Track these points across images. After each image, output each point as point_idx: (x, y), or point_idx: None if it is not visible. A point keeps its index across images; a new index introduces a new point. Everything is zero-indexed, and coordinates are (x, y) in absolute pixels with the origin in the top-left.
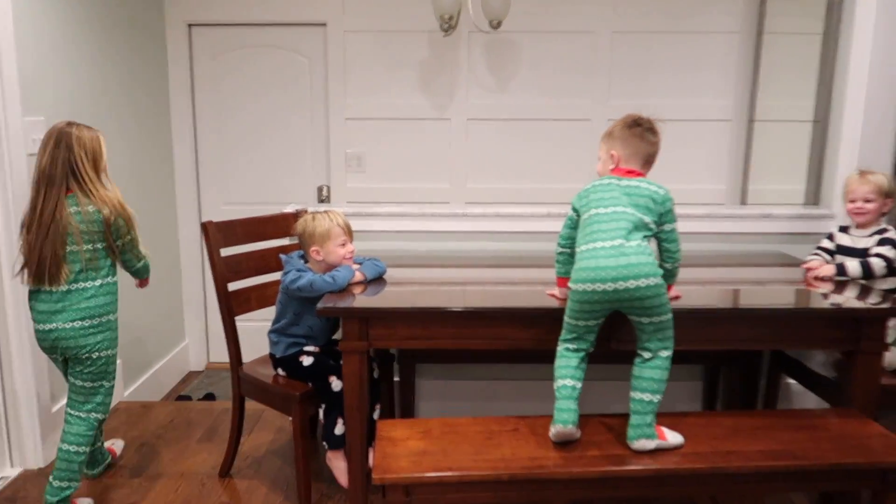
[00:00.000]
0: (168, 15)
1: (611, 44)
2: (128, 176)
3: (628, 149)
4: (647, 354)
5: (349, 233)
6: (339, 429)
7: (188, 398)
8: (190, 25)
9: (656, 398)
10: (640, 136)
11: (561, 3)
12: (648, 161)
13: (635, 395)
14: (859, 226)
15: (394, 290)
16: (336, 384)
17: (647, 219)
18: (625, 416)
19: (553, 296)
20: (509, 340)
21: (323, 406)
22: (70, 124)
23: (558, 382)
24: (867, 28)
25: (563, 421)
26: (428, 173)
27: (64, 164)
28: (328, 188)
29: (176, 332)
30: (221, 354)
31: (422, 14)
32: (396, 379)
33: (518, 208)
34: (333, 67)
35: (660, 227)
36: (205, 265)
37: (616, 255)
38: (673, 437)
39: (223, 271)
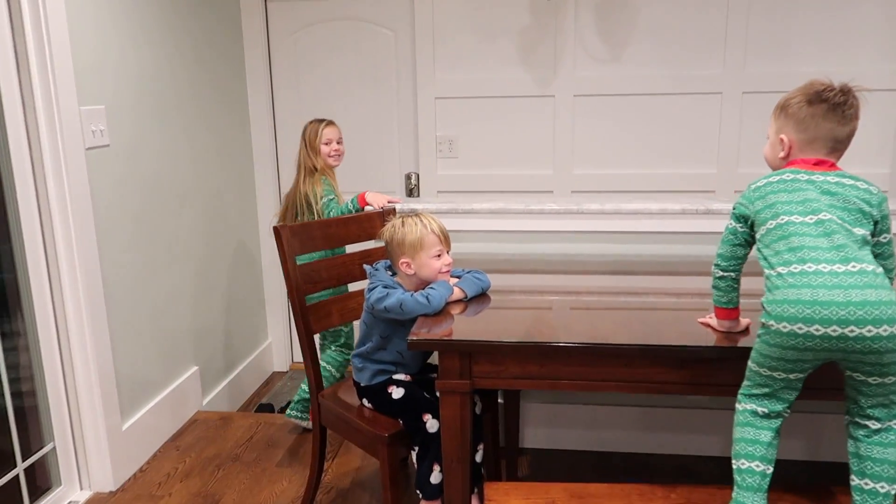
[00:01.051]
0: None
1: (747, 0)
2: (202, 165)
3: (805, 133)
4: (874, 425)
5: (446, 241)
6: (435, 476)
7: (270, 408)
8: (266, 0)
9: (894, 489)
10: (823, 115)
11: None
12: (837, 149)
13: (864, 483)
14: None
15: (499, 309)
16: (431, 424)
17: (862, 231)
18: (820, 488)
19: (707, 325)
20: (651, 384)
21: (416, 448)
22: (310, 120)
23: (742, 463)
24: None
25: None
26: (529, 158)
27: (298, 152)
28: (417, 176)
29: (258, 331)
30: None
31: None
32: (500, 401)
33: (643, 203)
34: (421, 40)
35: (874, 238)
36: None
37: (845, 287)
38: None
39: (299, 282)
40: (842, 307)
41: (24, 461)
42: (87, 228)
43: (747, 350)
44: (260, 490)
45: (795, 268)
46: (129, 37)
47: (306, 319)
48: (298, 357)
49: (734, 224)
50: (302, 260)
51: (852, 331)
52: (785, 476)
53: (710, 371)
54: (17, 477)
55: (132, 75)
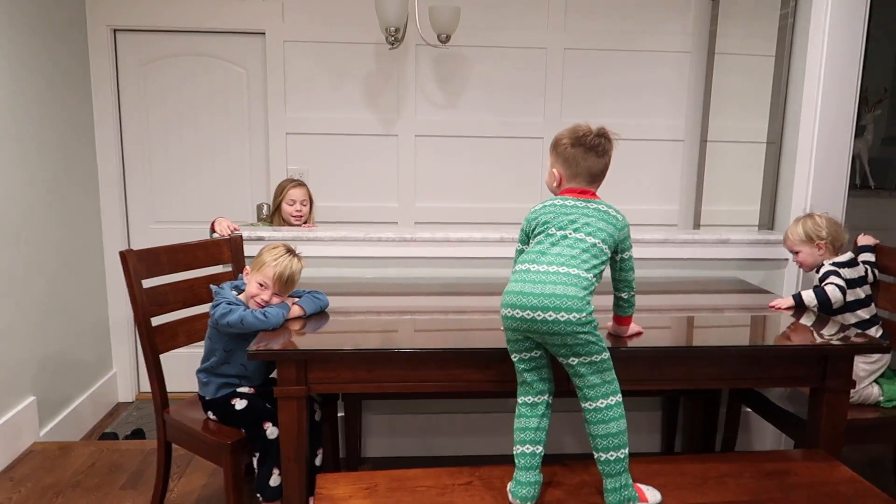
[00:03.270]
0: (90, 18)
1: (562, 61)
2: (45, 193)
3: (570, 168)
4: (590, 405)
5: (278, 284)
6: (274, 480)
7: (114, 436)
8: (115, 31)
9: (622, 453)
10: (582, 154)
11: (512, 19)
12: (595, 180)
13: (600, 455)
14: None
15: (336, 326)
16: (272, 431)
17: (605, 246)
18: (588, 457)
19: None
20: (463, 383)
21: (257, 454)
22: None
23: (517, 448)
24: (819, 51)
25: (522, 497)
26: (375, 192)
27: None
28: (268, 206)
29: (102, 361)
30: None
31: (367, 25)
32: (341, 414)
33: (468, 232)
34: (273, 79)
35: (616, 255)
36: None
37: (542, 282)
38: (652, 496)
39: (145, 305)
40: (534, 297)
41: None
42: None
43: None
44: None
45: (521, 266)
46: None
47: (153, 341)
48: (146, 387)
49: (521, 245)
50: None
51: (539, 315)
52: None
53: (508, 370)
54: None
55: None
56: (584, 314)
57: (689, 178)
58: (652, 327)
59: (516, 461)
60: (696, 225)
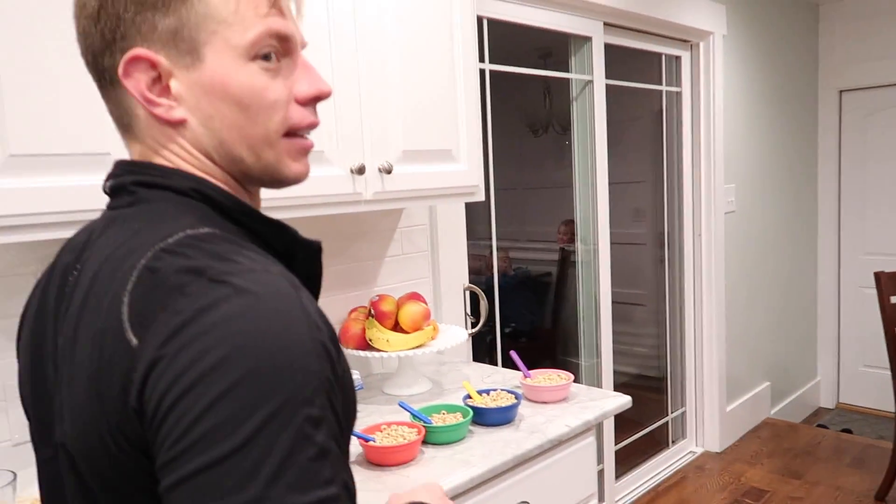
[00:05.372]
0: (821, 84)
1: None
2: (779, 226)
3: None
4: None
5: None
6: None
7: (825, 427)
8: (840, 91)
9: None
10: None
11: None
12: None
13: None
14: None
15: None
16: None
17: None
18: None
19: None
20: None
21: None
22: None
23: None
24: None
25: None
26: None
27: None
28: None
29: (809, 368)
30: (852, 397)
31: None
32: None
33: None
34: None
35: None
36: (840, 307)
37: None
38: None
39: (892, 317)
40: None
41: (669, 414)
42: (719, 265)
43: None
44: (836, 477)
45: None
46: (749, 134)
47: None
48: (845, 399)
49: None
50: None
51: None
52: None
53: None
54: (665, 423)
55: (749, 162)
56: None
57: None
58: None
59: None
60: None
